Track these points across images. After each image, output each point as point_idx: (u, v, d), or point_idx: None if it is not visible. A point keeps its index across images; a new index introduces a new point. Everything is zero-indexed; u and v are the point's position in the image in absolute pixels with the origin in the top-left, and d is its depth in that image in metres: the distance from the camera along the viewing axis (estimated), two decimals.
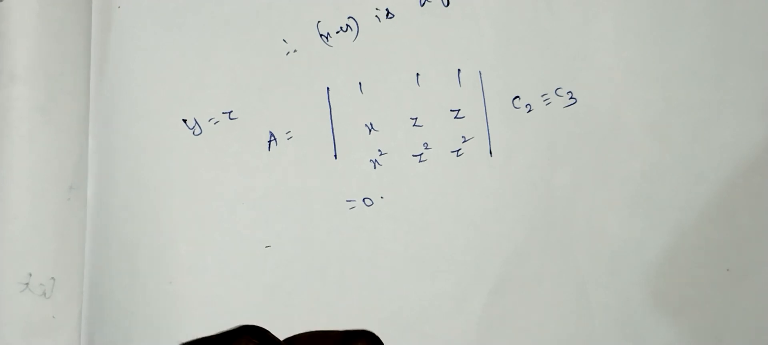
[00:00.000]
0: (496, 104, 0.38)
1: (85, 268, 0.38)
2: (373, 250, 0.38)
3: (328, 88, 0.38)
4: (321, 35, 0.38)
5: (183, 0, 0.38)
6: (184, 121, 0.38)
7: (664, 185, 0.37)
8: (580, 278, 0.38)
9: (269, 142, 0.38)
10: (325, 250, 0.38)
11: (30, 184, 0.38)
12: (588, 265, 0.38)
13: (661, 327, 0.37)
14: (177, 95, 0.38)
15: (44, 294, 0.38)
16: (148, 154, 0.38)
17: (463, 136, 0.38)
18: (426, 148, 0.38)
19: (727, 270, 0.37)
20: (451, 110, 0.38)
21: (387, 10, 0.38)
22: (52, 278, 0.38)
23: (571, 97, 0.37)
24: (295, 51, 0.38)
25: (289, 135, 0.38)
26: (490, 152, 0.38)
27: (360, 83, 0.38)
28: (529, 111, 0.37)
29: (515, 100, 0.38)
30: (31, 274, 0.38)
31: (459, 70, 0.38)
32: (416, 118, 0.38)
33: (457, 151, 0.38)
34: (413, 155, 0.38)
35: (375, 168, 0.38)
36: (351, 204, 0.38)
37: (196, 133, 0.38)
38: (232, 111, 0.38)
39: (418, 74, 0.38)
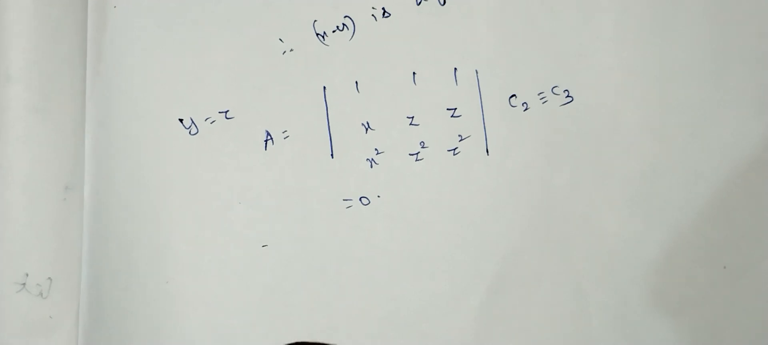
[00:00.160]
0: (492, 103, 0.38)
1: (82, 268, 0.38)
2: (370, 249, 0.38)
3: (324, 87, 0.38)
4: (317, 34, 0.38)
5: None
6: (181, 120, 0.38)
7: (662, 183, 0.37)
8: (578, 277, 0.38)
9: (266, 141, 0.38)
10: (323, 249, 0.38)
11: (26, 184, 0.38)
12: (585, 263, 0.38)
13: (659, 325, 0.37)
14: (173, 95, 0.38)
15: (41, 294, 0.38)
16: (144, 153, 0.38)
17: (459, 135, 0.38)
18: (423, 147, 0.38)
19: (724, 268, 0.37)
20: (447, 109, 0.38)
21: (383, 9, 0.38)
22: (49, 278, 0.38)
23: (567, 96, 0.37)
24: (291, 50, 0.38)
25: (285, 134, 0.38)
26: (487, 151, 0.38)
27: (356, 82, 0.38)
28: (526, 109, 0.37)
29: (512, 99, 0.38)
30: (27, 275, 0.38)
31: (455, 68, 0.38)
32: (413, 117, 0.38)
33: (454, 149, 0.38)
34: (410, 154, 0.38)
35: (372, 167, 0.38)
36: (348, 203, 0.38)
37: (192, 132, 0.38)
38: (228, 110, 0.38)
39: (414, 73, 0.38)
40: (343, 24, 0.38)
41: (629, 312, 0.37)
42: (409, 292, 0.38)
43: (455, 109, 0.38)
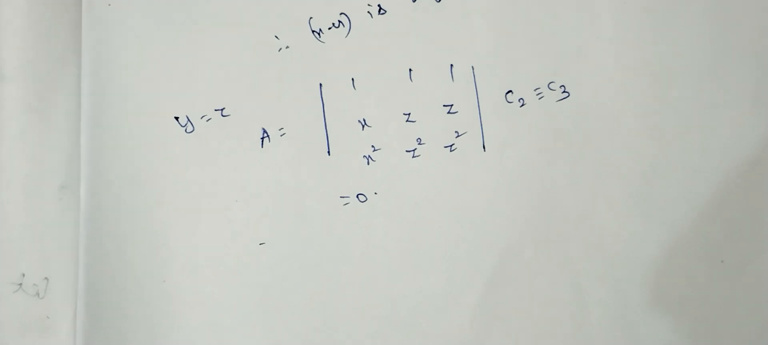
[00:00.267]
0: (488, 99, 0.38)
1: (78, 268, 0.38)
2: (367, 246, 0.38)
3: (320, 85, 0.38)
4: (313, 31, 0.38)
5: None
6: (177, 118, 0.38)
7: (659, 179, 0.37)
8: (575, 272, 0.38)
9: (262, 138, 0.38)
10: (320, 247, 0.38)
11: (21, 184, 0.38)
12: (583, 259, 0.38)
13: (657, 321, 0.38)
14: (169, 92, 0.38)
15: (38, 294, 0.38)
16: (140, 152, 0.38)
17: (456, 131, 0.38)
18: (419, 144, 0.38)
19: (722, 262, 0.37)
20: (444, 105, 0.38)
21: (379, 6, 0.38)
22: (46, 278, 0.38)
23: (564, 91, 0.37)
24: (287, 47, 0.38)
25: (282, 132, 0.38)
26: (484, 147, 0.38)
27: (353, 79, 0.38)
28: (522, 105, 0.38)
29: (508, 95, 0.38)
30: (24, 275, 0.38)
31: (452, 65, 0.38)
32: (409, 114, 0.38)
33: (451, 146, 0.38)
34: (407, 151, 0.38)
35: (368, 164, 0.38)
36: (345, 200, 0.38)
37: (188, 130, 0.38)
38: (224, 108, 0.38)
39: (410, 70, 0.38)
40: (339, 21, 0.38)
41: (627, 307, 0.38)
42: (406, 289, 0.38)
43: (452, 105, 0.38)
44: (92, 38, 0.38)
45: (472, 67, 0.38)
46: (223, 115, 0.38)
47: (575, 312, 0.38)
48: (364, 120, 0.38)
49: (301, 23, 0.38)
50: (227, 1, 0.38)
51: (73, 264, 0.39)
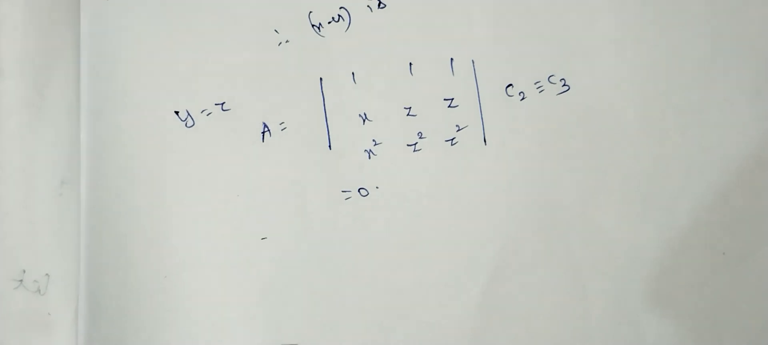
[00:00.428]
0: (489, 92, 0.38)
1: (79, 264, 0.38)
2: (369, 240, 0.38)
3: (321, 79, 0.38)
4: (313, 26, 0.38)
5: None
6: (177, 113, 0.38)
7: (659, 172, 0.37)
8: (576, 265, 0.38)
9: (263, 133, 0.38)
10: (321, 241, 0.38)
11: (21, 180, 0.37)
12: (583, 252, 0.38)
13: (657, 313, 0.38)
14: (169, 87, 0.37)
15: (39, 290, 0.38)
16: (140, 147, 0.37)
17: (457, 125, 0.38)
18: (420, 138, 0.38)
19: (724, 254, 0.37)
20: (444, 99, 0.38)
21: (379, 0, 0.38)
22: (47, 274, 0.38)
23: (564, 85, 0.37)
24: (287, 42, 0.38)
25: (282, 126, 0.38)
26: (485, 140, 0.38)
27: (353, 73, 0.38)
28: (523, 99, 0.38)
29: (508, 88, 0.38)
30: (24, 271, 0.38)
31: (452, 58, 0.38)
32: (410, 108, 0.38)
33: (452, 139, 0.38)
34: (408, 145, 0.38)
35: (370, 158, 0.38)
36: (346, 194, 0.38)
37: (188, 125, 0.38)
38: (224, 102, 0.38)
39: (411, 64, 0.38)
40: (339, 15, 0.38)
41: (628, 300, 0.38)
42: (408, 283, 0.38)
43: (452, 99, 0.38)
44: (91, 33, 0.37)
45: (473, 60, 0.38)
46: (223, 110, 0.38)
47: (576, 305, 0.38)
48: (364, 114, 0.38)
49: (301, 17, 0.38)
50: None
51: (74, 260, 0.39)
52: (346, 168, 0.38)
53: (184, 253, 0.38)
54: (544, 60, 0.37)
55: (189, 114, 0.38)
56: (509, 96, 0.38)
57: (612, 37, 0.37)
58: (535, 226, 0.38)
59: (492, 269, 0.38)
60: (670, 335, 0.38)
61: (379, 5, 0.38)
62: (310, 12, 0.38)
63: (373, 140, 0.38)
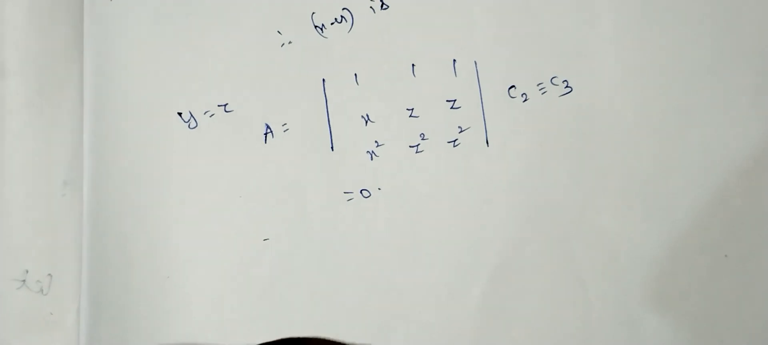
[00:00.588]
0: (491, 94, 0.38)
1: (82, 264, 0.38)
2: (371, 242, 0.38)
3: (323, 80, 0.38)
4: (316, 27, 0.38)
5: None
6: (179, 114, 0.38)
7: (661, 173, 0.37)
8: (577, 267, 0.38)
9: (265, 134, 0.38)
10: (323, 243, 0.38)
11: (24, 180, 0.38)
12: (585, 253, 0.38)
13: (659, 315, 0.38)
14: (172, 88, 0.37)
15: (41, 291, 0.38)
16: (143, 147, 0.38)
17: (459, 127, 0.38)
18: (422, 139, 0.38)
19: (726, 256, 0.37)
20: (447, 100, 0.38)
21: (381, 1, 0.38)
22: (49, 275, 0.38)
23: (567, 86, 0.37)
24: (289, 43, 0.38)
25: (285, 127, 0.38)
26: (487, 142, 0.38)
27: (355, 74, 0.38)
28: (525, 100, 0.38)
29: (511, 90, 0.38)
30: (27, 271, 0.38)
31: (454, 60, 0.38)
32: (412, 109, 0.38)
33: (454, 141, 0.38)
34: (410, 146, 0.38)
35: (372, 159, 0.38)
36: (348, 196, 0.38)
37: (191, 126, 0.38)
38: (227, 103, 0.38)
39: (413, 65, 0.38)
40: (342, 16, 0.38)
41: (630, 302, 0.38)
42: (409, 284, 0.38)
43: (455, 100, 0.38)
44: (94, 33, 0.37)
45: (475, 62, 0.38)
46: (226, 111, 0.38)
47: (578, 307, 0.38)
48: (367, 115, 0.38)
49: (304, 18, 0.38)
50: None
51: (77, 260, 0.39)
52: (348, 169, 0.38)
53: (187, 253, 0.38)
54: (547, 62, 0.37)
55: (192, 115, 0.38)
56: (512, 97, 0.38)
57: (615, 39, 0.37)
58: (537, 227, 0.38)
59: (493, 270, 0.38)
60: (671, 338, 0.38)
61: (381, 7, 0.38)
62: (313, 13, 0.38)
63: (376, 141, 0.38)
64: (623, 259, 0.38)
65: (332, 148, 0.38)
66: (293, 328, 0.38)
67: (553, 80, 0.37)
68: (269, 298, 0.38)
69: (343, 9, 0.38)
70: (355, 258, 0.38)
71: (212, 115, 0.38)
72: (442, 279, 0.38)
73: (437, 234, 0.38)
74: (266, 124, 0.38)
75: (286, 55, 0.38)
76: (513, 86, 0.38)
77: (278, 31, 0.38)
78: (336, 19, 0.38)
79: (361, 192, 0.38)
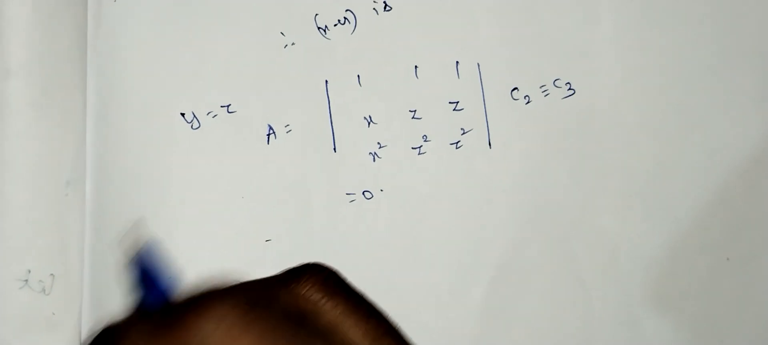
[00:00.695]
0: (494, 96, 0.38)
1: (84, 264, 0.38)
2: (373, 243, 0.38)
3: (326, 81, 0.38)
4: (319, 28, 0.38)
5: None
6: (182, 115, 0.38)
7: (664, 176, 0.37)
8: (579, 269, 0.38)
9: (268, 135, 0.38)
10: (325, 243, 0.38)
11: (27, 180, 0.38)
12: (586, 256, 0.38)
13: (660, 315, 0.38)
14: (175, 89, 0.37)
15: (44, 290, 0.38)
16: (146, 148, 0.38)
17: (461, 128, 0.38)
18: (425, 141, 0.38)
19: (727, 259, 0.37)
20: (449, 102, 0.38)
21: (385, 2, 0.38)
22: (52, 274, 0.38)
23: (569, 89, 0.37)
24: (293, 44, 0.38)
25: (287, 128, 0.38)
26: (489, 144, 0.38)
27: (358, 76, 0.38)
28: (528, 102, 0.38)
29: (514, 92, 0.38)
30: (30, 271, 0.38)
31: (457, 62, 0.38)
32: (415, 111, 0.38)
33: (456, 143, 0.38)
34: (412, 148, 0.38)
35: (374, 161, 0.38)
36: (351, 197, 0.38)
37: (194, 127, 0.38)
38: (230, 104, 0.38)
39: (416, 67, 0.38)
40: (345, 18, 0.38)
41: (631, 305, 0.38)
42: (411, 285, 0.38)
43: (457, 102, 0.38)
44: (98, 34, 0.37)
45: (478, 64, 0.38)
46: (229, 112, 0.38)
47: (579, 308, 0.38)
48: (369, 117, 0.38)
49: (307, 20, 0.38)
50: None
51: (79, 260, 0.39)
52: (351, 170, 0.38)
53: (189, 254, 0.38)
54: (550, 64, 0.37)
55: (195, 116, 0.38)
56: (514, 99, 0.38)
57: (617, 41, 0.37)
58: (538, 228, 0.38)
59: (495, 271, 0.38)
60: (671, 338, 0.38)
61: (385, 8, 0.38)
62: (316, 14, 0.38)
63: (378, 143, 0.38)
64: (625, 261, 0.38)
65: (335, 149, 0.38)
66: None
67: (556, 82, 0.37)
68: None
69: (347, 10, 0.38)
70: (357, 258, 0.38)
71: (215, 115, 0.38)
72: (443, 279, 0.38)
73: (439, 235, 0.38)
74: (269, 125, 0.38)
75: (289, 56, 0.38)
76: (516, 88, 0.38)
77: (281, 33, 0.38)
78: (339, 20, 0.38)
79: (363, 193, 0.38)
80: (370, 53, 0.38)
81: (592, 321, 0.38)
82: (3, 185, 0.37)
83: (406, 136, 0.38)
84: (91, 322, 0.38)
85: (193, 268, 0.39)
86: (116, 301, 0.38)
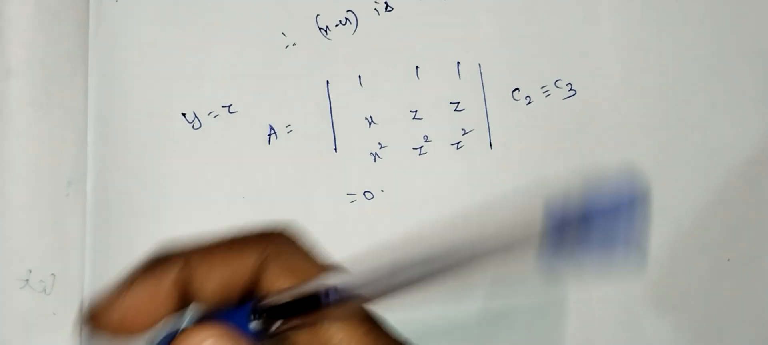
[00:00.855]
0: (495, 96, 0.38)
1: (85, 264, 0.38)
2: (374, 243, 0.38)
3: (327, 82, 0.38)
4: (320, 28, 0.38)
5: None
6: (184, 115, 0.38)
7: (665, 176, 0.37)
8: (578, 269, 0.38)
9: (269, 135, 0.38)
10: (326, 244, 0.38)
11: (28, 180, 0.38)
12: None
13: (661, 317, 0.38)
14: (176, 89, 0.37)
15: (44, 290, 0.38)
16: (147, 148, 0.38)
17: (462, 129, 0.38)
18: (426, 141, 0.38)
19: (728, 260, 0.37)
20: (450, 103, 0.38)
21: (386, 3, 0.38)
22: (52, 274, 0.38)
23: (570, 89, 0.37)
24: (294, 44, 0.38)
25: (289, 129, 0.38)
26: (490, 144, 0.38)
27: (359, 76, 0.38)
28: (529, 103, 0.38)
29: (515, 93, 0.38)
30: (30, 271, 0.38)
31: (458, 62, 0.38)
32: (416, 111, 0.38)
33: (457, 143, 0.38)
34: (413, 148, 0.38)
35: (375, 161, 0.38)
36: (352, 197, 0.38)
37: (195, 127, 0.38)
38: (231, 105, 0.38)
39: (417, 67, 0.38)
40: (346, 18, 0.38)
41: (631, 304, 0.38)
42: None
43: (458, 102, 0.38)
44: (99, 34, 0.37)
45: (479, 64, 0.38)
46: (230, 112, 0.38)
47: (580, 309, 0.38)
48: (370, 117, 0.38)
49: (308, 20, 0.38)
50: None
51: (80, 260, 0.39)
52: (352, 171, 0.38)
53: None
54: (551, 64, 0.37)
55: (196, 116, 0.38)
56: (515, 100, 0.38)
57: (617, 41, 0.37)
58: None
59: (496, 273, 0.38)
60: (671, 338, 0.38)
61: (386, 9, 0.38)
62: (317, 15, 0.38)
63: (379, 143, 0.38)
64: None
65: (336, 149, 0.38)
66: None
67: (557, 83, 0.38)
68: None
69: (348, 11, 0.38)
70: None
71: (216, 116, 0.38)
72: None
73: (439, 235, 0.38)
74: (270, 126, 0.38)
75: (290, 56, 0.38)
76: (517, 89, 0.38)
77: (282, 33, 0.38)
78: (340, 20, 0.38)
79: (364, 194, 0.38)
80: (371, 54, 0.38)
81: (593, 322, 0.38)
82: (3, 185, 0.37)
83: (407, 136, 0.38)
84: None
85: None
86: None
